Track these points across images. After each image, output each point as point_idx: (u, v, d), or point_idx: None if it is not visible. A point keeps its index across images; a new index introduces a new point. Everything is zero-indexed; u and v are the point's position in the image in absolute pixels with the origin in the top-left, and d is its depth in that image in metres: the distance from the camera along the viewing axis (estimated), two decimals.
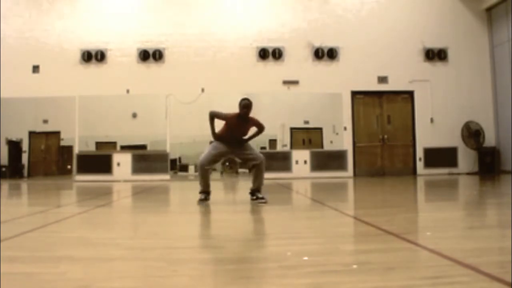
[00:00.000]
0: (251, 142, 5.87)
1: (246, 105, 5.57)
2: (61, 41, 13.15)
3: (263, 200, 5.60)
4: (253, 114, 5.73)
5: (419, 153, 13.31)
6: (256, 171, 5.74)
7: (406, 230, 3.54)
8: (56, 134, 15.57)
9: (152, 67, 13.25)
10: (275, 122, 14.21)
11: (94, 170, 12.74)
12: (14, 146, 14.57)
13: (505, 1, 12.76)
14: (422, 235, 3.49)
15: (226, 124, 5.74)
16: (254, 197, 5.74)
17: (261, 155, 5.78)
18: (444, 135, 13.24)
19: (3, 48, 12.91)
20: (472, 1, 13.58)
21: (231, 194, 8.42)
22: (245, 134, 5.82)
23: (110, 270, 2.41)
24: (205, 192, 5.73)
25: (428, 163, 13.20)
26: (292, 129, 14.64)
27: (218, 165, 16.00)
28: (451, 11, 13.62)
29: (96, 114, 13.52)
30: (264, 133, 6.09)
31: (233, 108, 5.75)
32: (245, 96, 5.72)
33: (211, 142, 5.95)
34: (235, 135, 5.74)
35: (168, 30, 13.31)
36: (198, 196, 5.75)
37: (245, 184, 11.29)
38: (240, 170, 17.06)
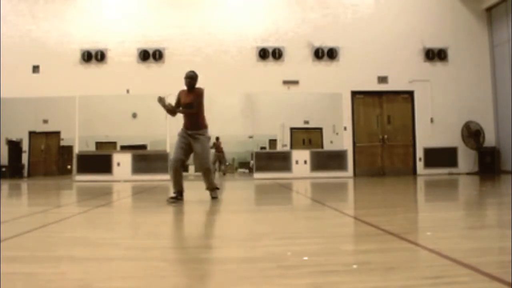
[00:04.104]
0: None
1: (187, 75, 5.88)
2: (61, 41, 13.15)
3: (214, 197, 5.97)
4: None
5: (419, 153, 13.32)
6: (203, 175, 5.98)
7: (406, 230, 3.54)
8: (56, 134, 15.58)
9: (152, 67, 13.25)
10: (275, 122, 14.22)
11: (94, 170, 12.73)
12: (14, 146, 14.57)
13: (505, 1, 12.76)
14: (422, 235, 3.49)
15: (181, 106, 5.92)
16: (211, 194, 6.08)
17: (207, 164, 5.88)
18: (444, 135, 13.24)
19: (3, 48, 12.91)
20: (472, 1, 13.58)
21: (230, 194, 8.41)
22: (191, 105, 5.84)
23: (110, 270, 2.41)
24: (178, 192, 5.83)
25: (428, 163, 13.20)
26: (292, 129, 14.64)
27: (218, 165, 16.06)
28: (451, 11, 13.61)
29: (96, 114, 13.52)
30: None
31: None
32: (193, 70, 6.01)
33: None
34: (188, 114, 5.86)
35: (168, 30, 13.31)
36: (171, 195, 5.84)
37: (244, 184, 11.30)
38: (240, 170, 17.08)
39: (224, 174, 15.95)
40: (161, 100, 5.80)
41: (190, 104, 5.82)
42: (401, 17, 13.53)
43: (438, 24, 13.56)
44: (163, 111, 6.00)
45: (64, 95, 12.93)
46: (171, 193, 5.92)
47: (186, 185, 6.00)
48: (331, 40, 13.36)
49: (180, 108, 5.90)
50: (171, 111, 5.94)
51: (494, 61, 13.42)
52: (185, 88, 5.95)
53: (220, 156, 15.81)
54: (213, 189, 6.03)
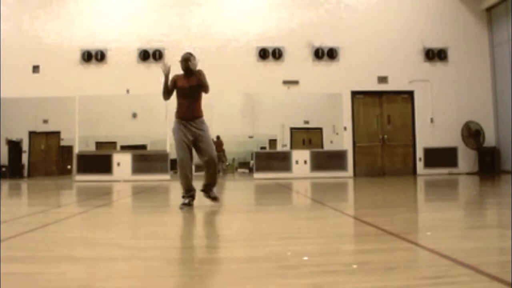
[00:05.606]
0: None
1: (183, 58, 5.25)
2: (61, 41, 13.15)
3: (215, 200, 5.35)
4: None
5: (419, 153, 13.32)
6: (207, 168, 5.33)
7: (406, 230, 3.54)
8: (56, 134, 15.57)
9: (152, 67, 13.22)
10: (275, 122, 14.22)
11: (94, 170, 12.73)
12: (14, 146, 14.57)
13: (505, 1, 12.75)
14: (422, 235, 3.49)
15: (177, 91, 5.33)
16: (207, 195, 5.41)
17: (212, 153, 5.33)
18: (444, 135, 13.24)
19: (3, 48, 12.90)
20: (472, 1, 13.58)
21: (230, 194, 8.41)
22: (195, 93, 5.27)
23: (110, 270, 2.41)
24: (190, 196, 5.21)
25: (428, 163, 13.20)
26: (292, 129, 14.64)
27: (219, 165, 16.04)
28: (451, 11, 13.61)
29: (96, 114, 13.51)
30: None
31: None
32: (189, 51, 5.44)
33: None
34: (186, 99, 5.25)
35: (168, 30, 13.31)
36: (181, 200, 5.19)
37: (244, 184, 11.30)
38: (240, 170, 17.08)
39: (221, 173, 15.82)
40: (165, 66, 5.21)
41: (195, 86, 5.23)
42: (401, 17, 13.53)
43: (438, 24, 13.56)
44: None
45: (64, 95, 12.93)
46: (182, 198, 5.21)
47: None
48: (331, 40, 13.36)
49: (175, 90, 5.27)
50: (167, 88, 5.28)
51: (494, 61, 13.42)
52: (179, 73, 5.36)
53: (219, 156, 15.73)
54: (213, 187, 5.39)
